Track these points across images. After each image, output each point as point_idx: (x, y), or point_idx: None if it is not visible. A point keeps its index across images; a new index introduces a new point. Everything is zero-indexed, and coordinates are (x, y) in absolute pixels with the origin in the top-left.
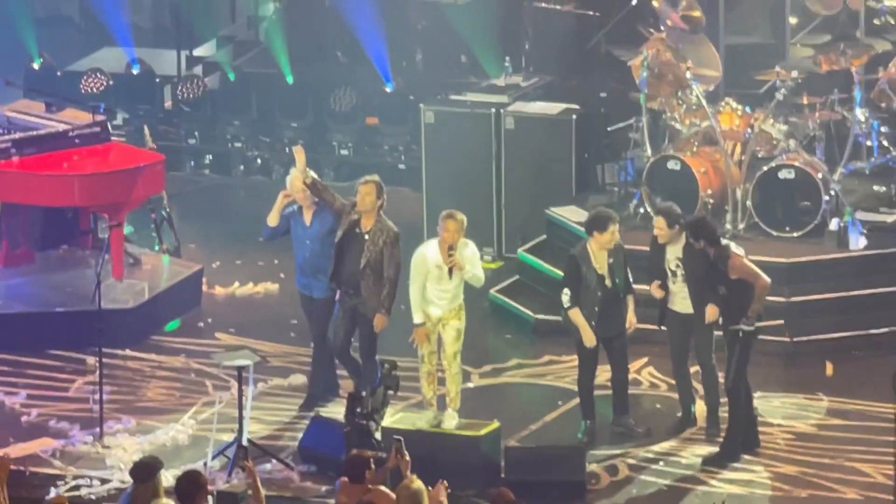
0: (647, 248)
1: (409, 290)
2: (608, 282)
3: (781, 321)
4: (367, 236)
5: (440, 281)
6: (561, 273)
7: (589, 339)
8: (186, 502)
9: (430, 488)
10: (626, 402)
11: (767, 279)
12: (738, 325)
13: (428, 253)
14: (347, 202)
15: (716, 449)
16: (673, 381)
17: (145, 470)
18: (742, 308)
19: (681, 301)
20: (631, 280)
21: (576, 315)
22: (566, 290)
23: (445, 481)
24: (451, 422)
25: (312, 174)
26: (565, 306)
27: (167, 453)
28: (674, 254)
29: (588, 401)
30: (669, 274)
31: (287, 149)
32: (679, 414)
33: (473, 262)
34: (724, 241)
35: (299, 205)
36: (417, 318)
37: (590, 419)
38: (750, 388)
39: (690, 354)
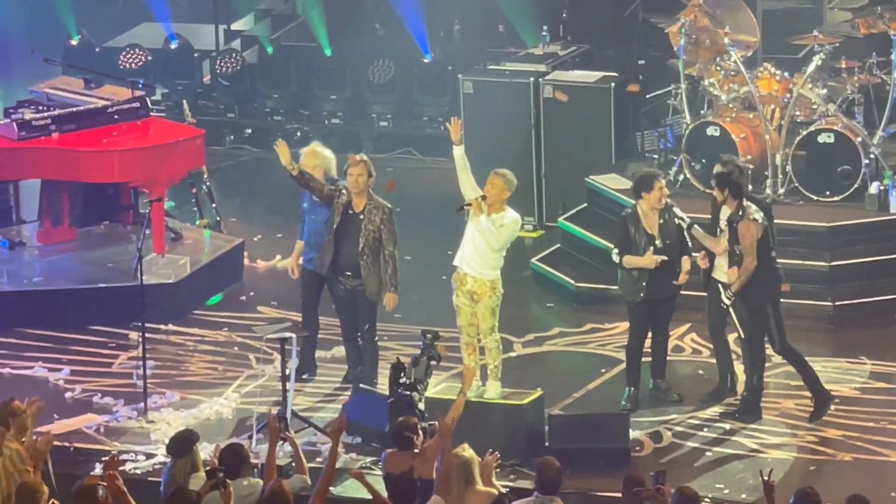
0: (689, 215)
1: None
2: (658, 242)
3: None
4: (361, 216)
5: (473, 225)
6: (602, 241)
7: (651, 261)
8: (230, 475)
9: (480, 459)
10: (663, 367)
11: (753, 263)
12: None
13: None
14: (335, 187)
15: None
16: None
17: (181, 444)
18: (758, 272)
19: (721, 269)
20: (689, 243)
21: (629, 259)
22: (615, 249)
23: (496, 452)
24: (493, 391)
25: (297, 165)
26: (616, 261)
27: (211, 427)
28: (724, 214)
29: (634, 367)
30: (719, 233)
31: (326, 121)
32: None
33: (502, 228)
34: (746, 203)
35: None
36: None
37: (633, 386)
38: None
39: (729, 322)
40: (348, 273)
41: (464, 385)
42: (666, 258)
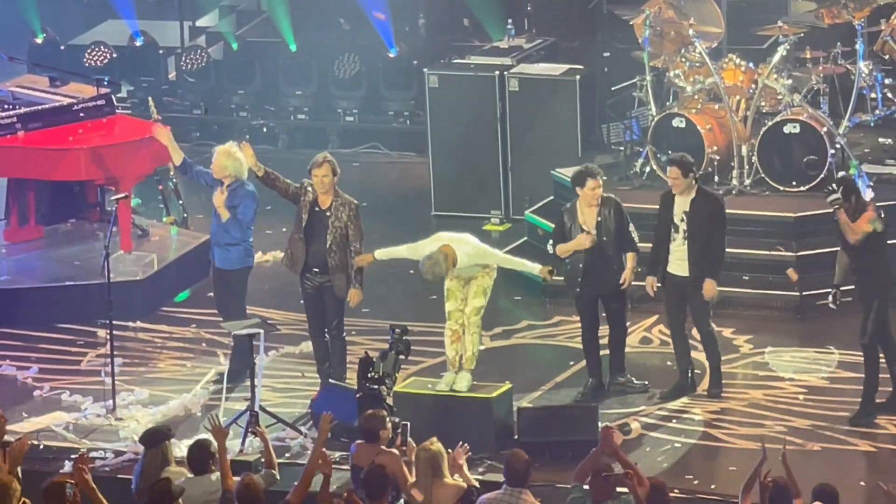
0: (656, 207)
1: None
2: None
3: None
4: (328, 213)
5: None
6: None
7: (580, 241)
8: (199, 470)
9: (450, 451)
10: (621, 361)
11: (857, 237)
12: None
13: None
14: (300, 185)
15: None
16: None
17: (152, 435)
18: (869, 267)
19: (677, 263)
20: (635, 238)
21: (560, 247)
22: (551, 241)
23: (466, 444)
24: (463, 383)
25: (262, 165)
26: (551, 252)
27: (180, 424)
28: (681, 207)
29: (590, 358)
30: (673, 229)
31: (292, 117)
32: (690, 374)
33: (470, 265)
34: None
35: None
36: (379, 254)
37: (593, 377)
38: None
39: (688, 315)
40: (316, 270)
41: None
42: (593, 236)
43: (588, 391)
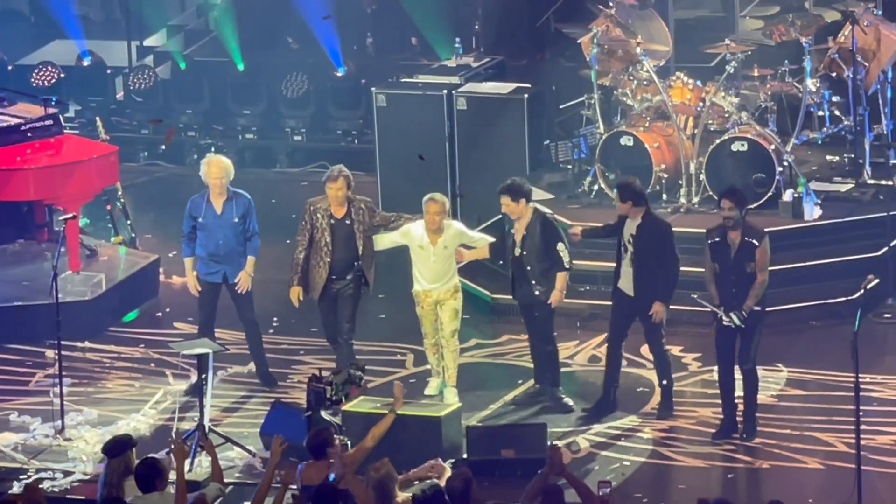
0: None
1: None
2: (517, 250)
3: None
4: (347, 220)
5: (424, 260)
6: None
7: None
8: (147, 488)
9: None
10: (553, 375)
11: (767, 280)
12: (729, 317)
13: (413, 230)
14: (306, 218)
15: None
16: (632, 357)
17: (114, 445)
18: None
19: (626, 281)
20: (564, 257)
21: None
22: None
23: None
24: (452, 397)
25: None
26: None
27: None
28: (629, 230)
29: (534, 363)
30: (623, 248)
31: (240, 136)
32: (641, 390)
33: (465, 234)
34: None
35: (207, 194)
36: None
37: (537, 383)
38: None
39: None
40: (334, 277)
41: (395, 403)
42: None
43: (527, 393)
